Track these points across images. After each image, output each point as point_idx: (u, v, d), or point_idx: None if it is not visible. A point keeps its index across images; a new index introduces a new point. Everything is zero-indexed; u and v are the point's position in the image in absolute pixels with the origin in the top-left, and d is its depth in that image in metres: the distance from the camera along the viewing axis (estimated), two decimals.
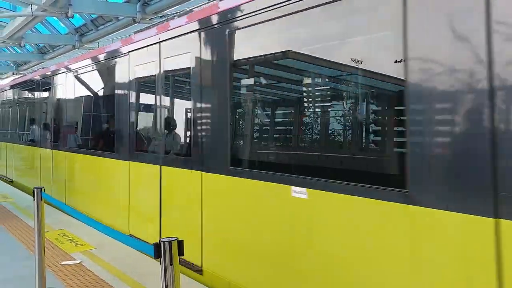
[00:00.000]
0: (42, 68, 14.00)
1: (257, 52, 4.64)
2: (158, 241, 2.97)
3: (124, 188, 6.96)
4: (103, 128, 8.58)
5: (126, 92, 7.03)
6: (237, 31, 4.71)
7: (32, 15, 12.66)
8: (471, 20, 2.69)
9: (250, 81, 4.78)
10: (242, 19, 4.58)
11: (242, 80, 4.96)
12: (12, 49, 22.15)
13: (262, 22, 4.34)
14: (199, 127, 5.29)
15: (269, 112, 4.94)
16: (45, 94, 11.14)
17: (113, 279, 5.03)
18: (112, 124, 7.73)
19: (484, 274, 2.58)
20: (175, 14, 7.05)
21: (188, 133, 5.61)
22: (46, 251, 5.28)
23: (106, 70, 7.94)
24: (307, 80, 4.32)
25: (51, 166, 10.37)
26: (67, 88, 9.61)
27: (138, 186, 6.65)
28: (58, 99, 10.22)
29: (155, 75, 6.22)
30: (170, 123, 6.13)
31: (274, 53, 4.44)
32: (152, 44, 6.28)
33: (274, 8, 4.17)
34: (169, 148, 6.10)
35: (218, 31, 4.94)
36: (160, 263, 2.97)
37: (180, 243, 2.99)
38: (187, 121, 5.65)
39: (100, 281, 4.99)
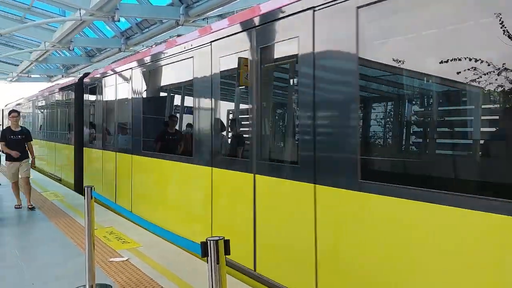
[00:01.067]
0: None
1: None
2: (205, 240, 3.01)
3: None
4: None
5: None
6: None
7: (81, 20, 13.12)
8: None
9: None
10: None
11: None
12: (61, 53, 23.04)
13: None
14: None
15: None
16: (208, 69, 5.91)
17: (160, 277, 5.13)
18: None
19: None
20: (218, 16, 7.09)
21: None
22: (95, 248, 5.45)
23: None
24: None
25: (209, 196, 5.82)
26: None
27: None
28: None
29: None
30: None
31: None
32: None
33: None
34: None
35: None
36: (207, 262, 3.00)
37: (227, 242, 3.01)
38: None
39: (147, 278, 5.10)
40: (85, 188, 4.86)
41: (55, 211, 9.10)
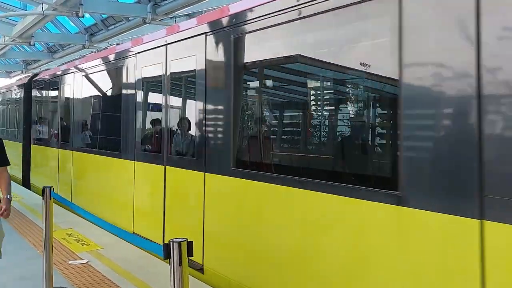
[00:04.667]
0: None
1: None
2: (167, 242, 2.96)
3: None
4: None
5: None
6: None
7: (43, 14, 12.73)
8: None
9: None
10: None
11: None
12: (21, 48, 22.30)
13: None
14: None
15: None
16: None
17: (121, 279, 5.01)
18: None
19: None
20: (185, 15, 7.01)
21: None
22: (53, 250, 5.28)
23: None
24: None
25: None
26: None
27: None
28: None
29: None
30: None
31: None
32: None
33: None
34: None
35: None
36: (169, 264, 2.95)
37: (189, 244, 2.97)
38: None
39: (107, 281, 4.97)
40: (44, 188, 4.69)
41: (12, 213, 8.75)
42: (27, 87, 13.04)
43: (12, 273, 5.24)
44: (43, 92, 11.97)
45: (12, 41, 17.25)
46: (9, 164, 4.39)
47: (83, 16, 12.58)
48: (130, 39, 8.34)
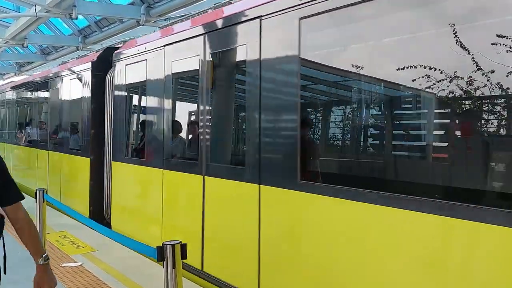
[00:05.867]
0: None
1: None
2: (161, 244, 2.96)
3: None
4: None
5: None
6: None
7: (36, 16, 12.68)
8: None
9: None
10: None
11: None
12: (14, 50, 22.20)
13: None
14: None
15: None
16: None
17: (115, 282, 4.99)
18: None
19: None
20: (179, 17, 6.99)
21: None
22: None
23: None
24: None
25: None
26: None
27: None
28: None
29: None
30: None
31: None
32: None
33: None
34: None
35: None
36: (163, 266, 2.95)
37: (183, 247, 2.98)
38: None
39: (101, 283, 4.95)
40: (37, 191, 4.69)
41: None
42: (96, 68, 8.02)
43: (5, 277, 5.21)
44: (144, 71, 6.34)
45: (5, 43, 17.18)
46: (23, 198, 2.82)
47: (76, 18, 12.56)
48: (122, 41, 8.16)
